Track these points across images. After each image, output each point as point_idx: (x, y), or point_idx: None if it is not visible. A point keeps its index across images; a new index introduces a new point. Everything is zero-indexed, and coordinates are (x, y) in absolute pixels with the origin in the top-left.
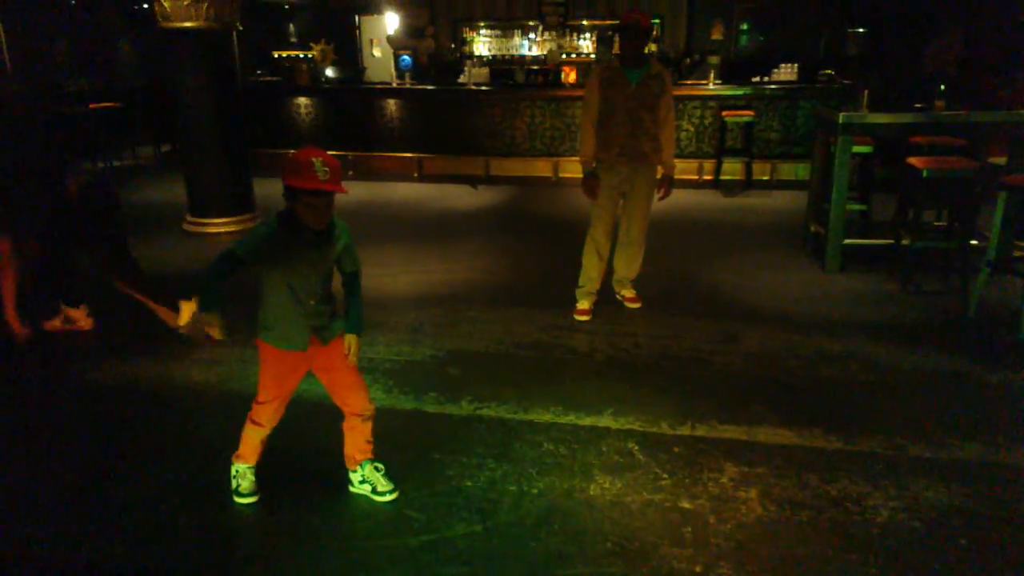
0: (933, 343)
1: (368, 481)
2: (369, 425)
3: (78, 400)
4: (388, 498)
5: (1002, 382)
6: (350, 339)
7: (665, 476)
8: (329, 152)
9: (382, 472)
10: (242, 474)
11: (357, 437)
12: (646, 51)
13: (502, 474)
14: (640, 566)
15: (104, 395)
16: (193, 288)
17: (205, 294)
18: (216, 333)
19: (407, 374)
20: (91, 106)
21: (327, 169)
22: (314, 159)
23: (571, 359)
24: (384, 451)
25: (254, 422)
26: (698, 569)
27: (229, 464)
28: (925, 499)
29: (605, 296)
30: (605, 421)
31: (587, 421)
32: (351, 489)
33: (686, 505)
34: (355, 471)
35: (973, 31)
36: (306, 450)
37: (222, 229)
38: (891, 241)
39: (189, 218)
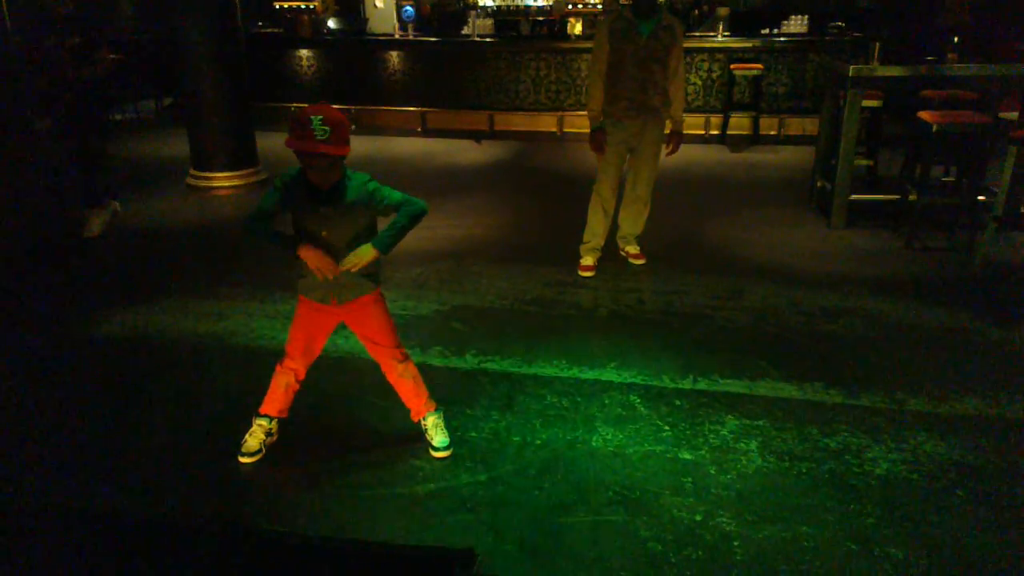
0: (937, 299)
1: (438, 426)
2: (404, 381)
3: (87, 352)
4: (438, 454)
5: (1004, 337)
6: (360, 249)
7: (667, 428)
8: (332, 106)
9: (439, 427)
10: (251, 432)
11: (400, 393)
12: (657, 1)
13: (506, 425)
14: (641, 514)
15: (112, 347)
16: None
17: (280, 243)
18: (321, 265)
19: (412, 328)
20: None
21: (327, 128)
22: (313, 117)
23: (575, 314)
24: (389, 403)
25: (280, 365)
26: (698, 518)
27: (235, 416)
28: (924, 452)
29: (609, 252)
30: (608, 375)
31: (590, 375)
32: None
33: (687, 456)
34: (424, 419)
35: None
36: (315, 402)
37: (225, 183)
38: (898, 197)
39: (192, 172)
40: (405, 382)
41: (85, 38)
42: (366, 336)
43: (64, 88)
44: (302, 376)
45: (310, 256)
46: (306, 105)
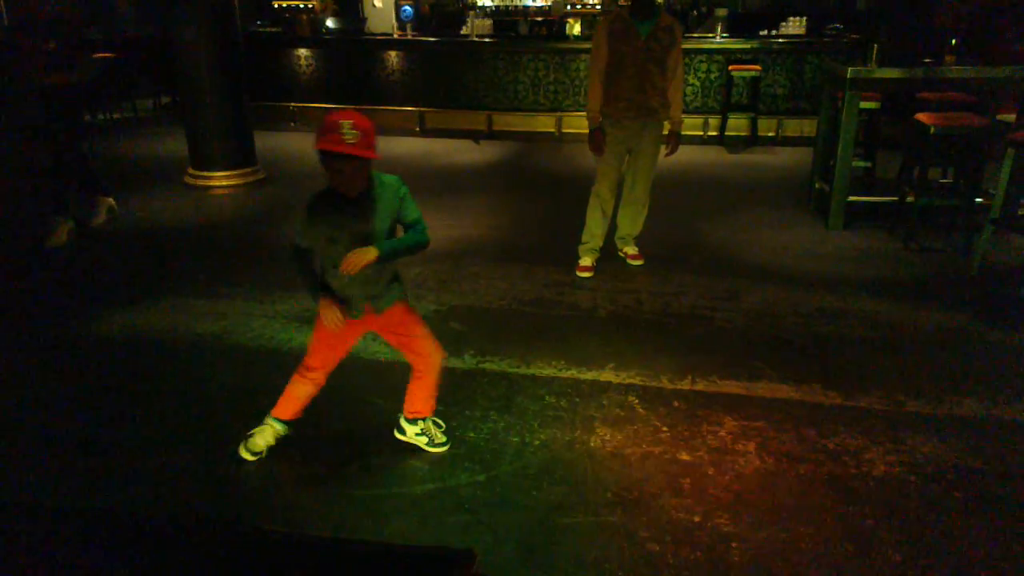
0: (935, 300)
1: (426, 433)
2: (433, 378)
3: (87, 352)
4: (442, 450)
5: (1002, 339)
6: (361, 249)
7: (665, 429)
8: (330, 105)
9: (442, 428)
10: (260, 430)
11: (423, 390)
12: (656, 1)
13: (504, 426)
14: (639, 515)
15: (112, 347)
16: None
17: (307, 288)
18: (330, 322)
19: None
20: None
21: (356, 132)
22: (343, 121)
23: (573, 315)
24: (388, 404)
25: (301, 375)
26: (696, 519)
27: (235, 416)
28: (922, 454)
29: (608, 253)
30: (606, 376)
31: (588, 375)
32: (400, 438)
33: (685, 457)
34: (413, 423)
35: None
36: (315, 402)
37: (224, 182)
38: (895, 198)
39: (190, 171)
40: (433, 378)
41: (64, 42)
42: (409, 334)
43: (37, 93)
44: (322, 383)
45: (327, 312)
46: (340, 108)
